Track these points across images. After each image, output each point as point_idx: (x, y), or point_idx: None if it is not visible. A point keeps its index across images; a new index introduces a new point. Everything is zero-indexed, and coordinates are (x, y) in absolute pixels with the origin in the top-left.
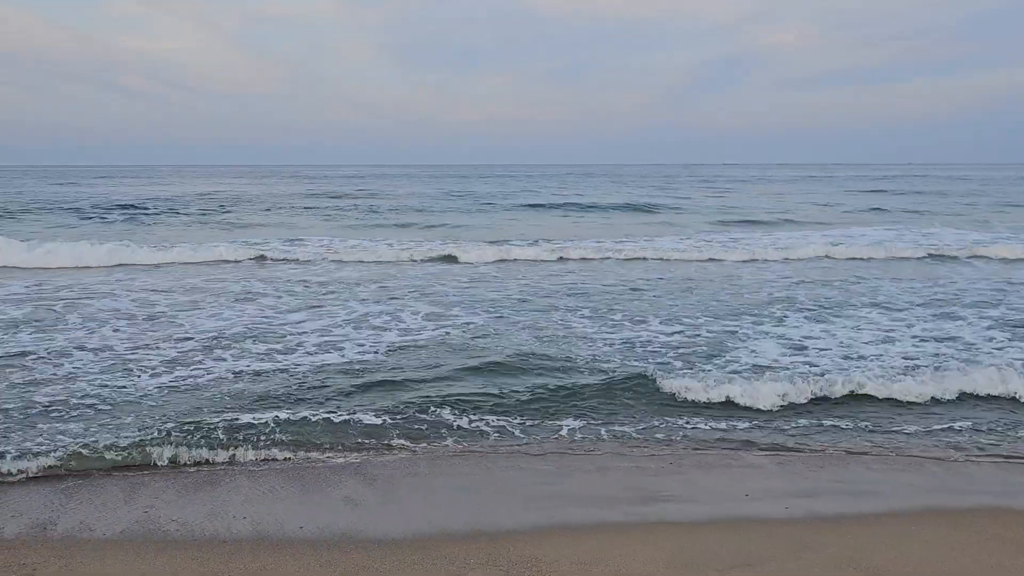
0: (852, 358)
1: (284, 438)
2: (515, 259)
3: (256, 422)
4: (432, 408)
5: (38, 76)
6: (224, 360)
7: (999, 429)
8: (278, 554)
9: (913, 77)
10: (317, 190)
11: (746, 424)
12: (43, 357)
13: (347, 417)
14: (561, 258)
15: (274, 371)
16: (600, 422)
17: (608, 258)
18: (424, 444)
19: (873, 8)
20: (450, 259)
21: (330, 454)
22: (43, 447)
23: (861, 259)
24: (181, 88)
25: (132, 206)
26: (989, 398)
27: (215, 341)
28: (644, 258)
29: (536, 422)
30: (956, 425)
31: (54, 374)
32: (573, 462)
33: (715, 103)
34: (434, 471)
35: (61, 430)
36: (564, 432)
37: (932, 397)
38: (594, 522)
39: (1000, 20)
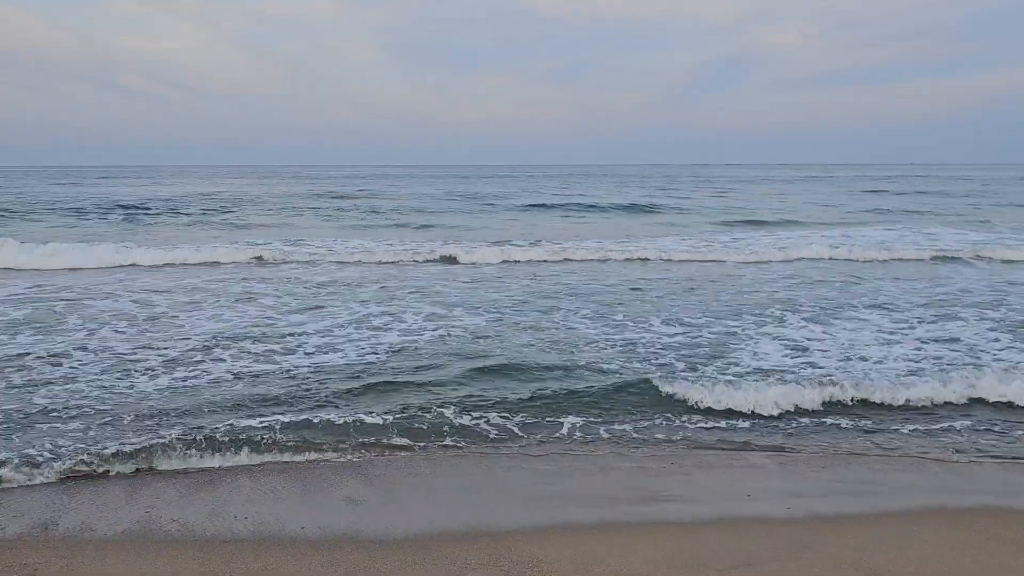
0: (854, 359)
1: (285, 438)
2: (517, 260)
3: (257, 423)
4: (433, 408)
5: (38, 76)
6: (224, 361)
7: (999, 429)
8: (279, 554)
9: (913, 77)
10: (318, 190)
11: (747, 424)
12: (43, 358)
13: (348, 417)
14: (563, 259)
15: (275, 372)
16: (601, 422)
17: (610, 259)
18: (425, 444)
19: (873, 8)
20: (451, 260)
21: (331, 454)
22: (44, 454)
23: (863, 260)
24: (181, 88)
25: (133, 206)
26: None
27: (216, 342)
28: (645, 259)
29: (537, 422)
30: (956, 425)
31: (55, 375)
32: (574, 462)
33: (715, 103)
34: (435, 471)
35: (61, 432)
36: (565, 432)
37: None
38: (595, 522)
39: (1000, 20)
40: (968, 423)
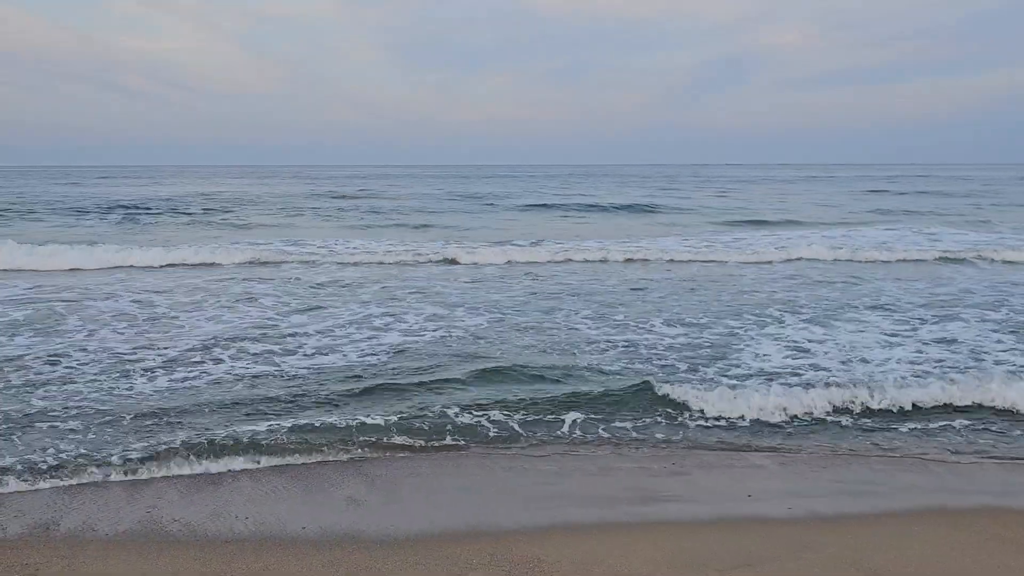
0: (856, 361)
1: (286, 439)
2: (518, 260)
3: (257, 423)
4: (434, 409)
5: (38, 76)
6: (225, 362)
7: (999, 429)
8: (281, 554)
9: (913, 77)
10: (318, 190)
11: (747, 424)
12: (44, 359)
13: (349, 418)
14: (564, 259)
15: (275, 373)
16: (601, 422)
17: (610, 259)
18: (426, 444)
19: (873, 8)
20: (452, 260)
21: (332, 455)
22: (47, 460)
23: (864, 260)
24: (181, 88)
25: (133, 206)
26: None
27: (216, 343)
28: (646, 259)
29: (538, 422)
30: (956, 425)
31: (55, 376)
32: (574, 462)
33: (715, 103)
34: (436, 471)
35: (61, 434)
36: (565, 432)
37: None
38: (596, 522)
39: (1000, 20)
40: (968, 423)
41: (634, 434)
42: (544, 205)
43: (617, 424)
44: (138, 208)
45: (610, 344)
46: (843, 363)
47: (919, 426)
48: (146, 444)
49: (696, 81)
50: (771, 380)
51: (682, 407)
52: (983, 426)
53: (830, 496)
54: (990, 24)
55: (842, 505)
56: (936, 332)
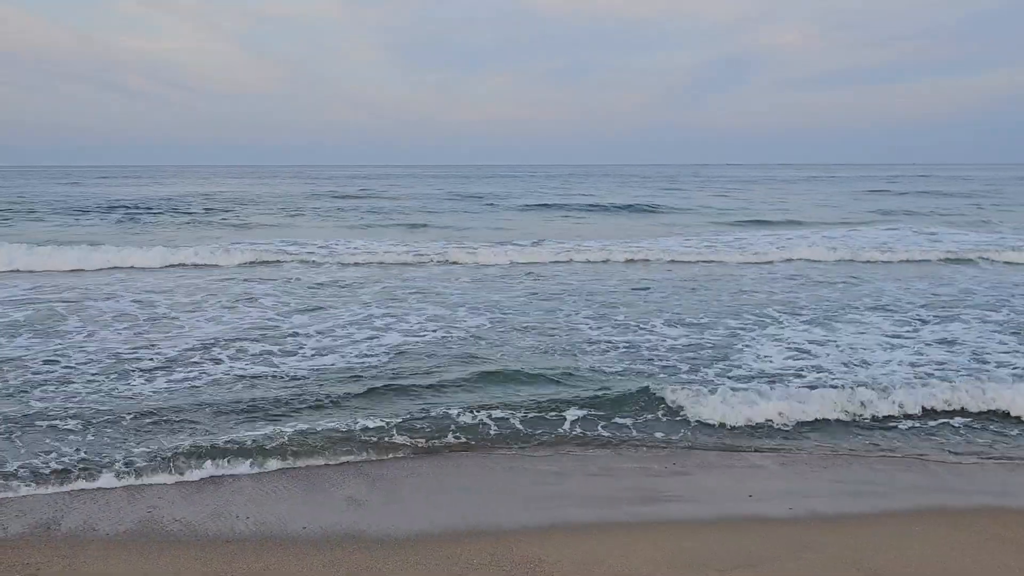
0: (858, 363)
1: (286, 439)
2: (518, 260)
3: (257, 424)
4: (434, 409)
5: (38, 76)
6: (225, 362)
7: (999, 429)
8: (281, 554)
9: (913, 77)
10: (318, 190)
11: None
12: (43, 360)
13: (349, 418)
14: (565, 259)
15: (275, 373)
16: (602, 423)
17: (612, 259)
18: (426, 445)
19: (873, 8)
20: (453, 260)
21: (333, 455)
22: (50, 464)
23: (864, 260)
24: (181, 88)
25: (134, 207)
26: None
27: (216, 343)
28: (647, 259)
29: (538, 422)
30: (956, 425)
31: (54, 377)
32: (575, 462)
33: (716, 103)
34: (436, 471)
35: (61, 435)
36: (566, 432)
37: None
38: (596, 522)
39: (1000, 20)
40: (968, 423)
41: (635, 433)
42: (544, 205)
43: (618, 424)
44: (138, 208)
45: (611, 345)
46: (844, 364)
47: (919, 426)
48: (146, 446)
49: (696, 81)
50: (773, 382)
51: (683, 410)
52: (983, 426)
53: (830, 496)
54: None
55: (842, 505)
56: (937, 333)
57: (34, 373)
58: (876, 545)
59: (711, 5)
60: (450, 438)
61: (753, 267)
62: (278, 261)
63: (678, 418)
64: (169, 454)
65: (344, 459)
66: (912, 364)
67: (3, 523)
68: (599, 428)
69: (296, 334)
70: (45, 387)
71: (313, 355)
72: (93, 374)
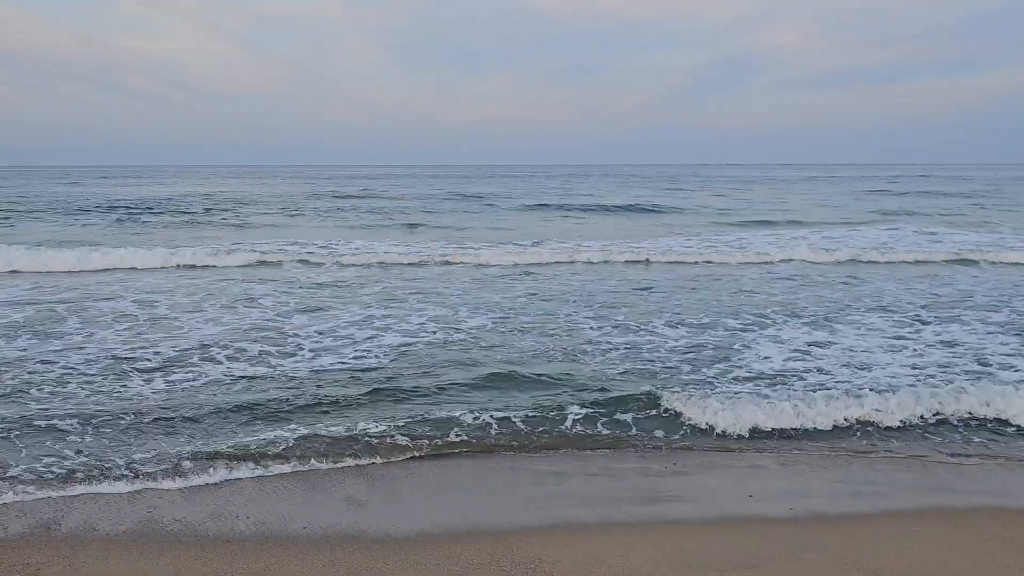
0: (860, 365)
1: (286, 439)
2: (519, 260)
3: (257, 424)
4: (435, 410)
5: (38, 76)
6: (224, 363)
7: (1000, 429)
8: (281, 554)
9: (913, 77)
10: (319, 190)
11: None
12: (43, 361)
13: (349, 418)
14: (565, 259)
15: (275, 374)
16: (603, 422)
17: (612, 259)
18: (426, 445)
19: (873, 8)
20: (454, 260)
21: (333, 455)
22: (52, 470)
23: (865, 261)
24: (181, 88)
25: (134, 207)
26: None
27: (216, 344)
28: (648, 259)
29: (538, 422)
30: (956, 424)
31: (54, 379)
32: (576, 462)
33: (716, 103)
34: (436, 471)
35: (61, 437)
36: (567, 432)
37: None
38: (597, 522)
39: (1000, 20)
40: (968, 423)
41: (635, 431)
42: (545, 205)
43: (618, 424)
44: (138, 208)
45: (611, 345)
46: (845, 366)
47: (919, 426)
48: (147, 447)
49: (696, 81)
50: (774, 384)
51: (682, 416)
52: (982, 426)
53: (830, 496)
54: (990, 24)
55: (842, 505)
56: (939, 335)
57: (30, 373)
58: (876, 545)
59: (711, 5)
60: (449, 438)
61: (754, 267)
62: (278, 261)
63: (678, 422)
64: (169, 455)
65: (344, 459)
66: (914, 367)
67: (3, 523)
68: (599, 427)
69: (297, 335)
70: (45, 388)
71: (313, 356)
72: (93, 375)
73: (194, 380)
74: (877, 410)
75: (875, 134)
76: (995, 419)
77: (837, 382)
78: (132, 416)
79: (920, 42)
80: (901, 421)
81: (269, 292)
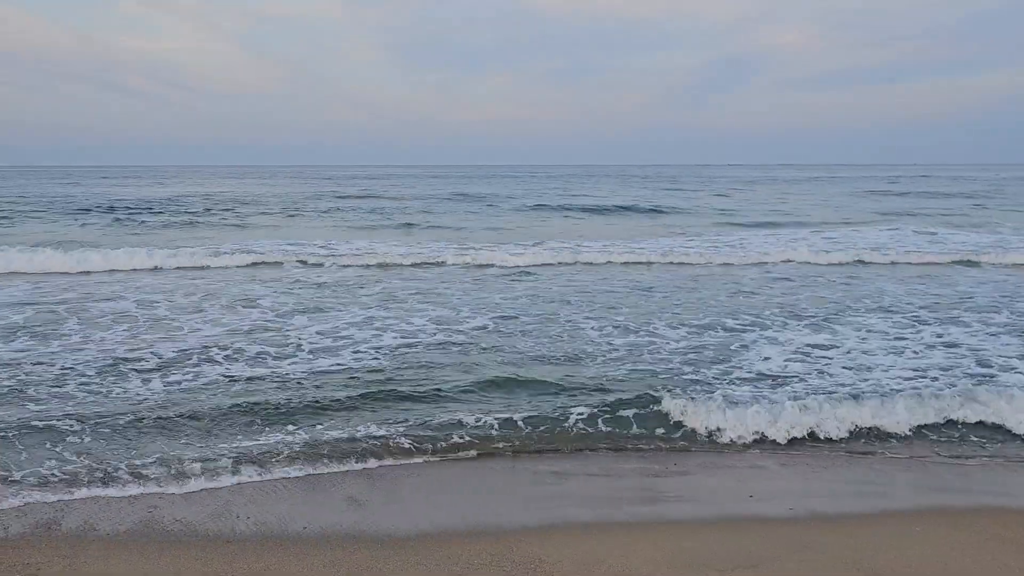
0: (861, 366)
1: (286, 439)
2: (520, 261)
3: (257, 425)
4: (436, 411)
5: (38, 76)
6: (224, 364)
7: (1000, 430)
8: (282, 554)
9: (913, 77)
10: (319, 191)
11: None
12: (44, 362)
13: (349, 418)
14: (566, 260)
15: (275, 375)
16: (603, 423)
17: (613, 260)
18: (426, 445)
19: (873, 8)
20: (454, 261)
21: (333, 455)
22: (56, 473)
23: (867, 261)
24: (181, 88)
25: (134, 207)
26: None
27: (216, 345)
28: (649, 260)
29: (539, 422)
30: (957, 424)
31: (54, 379)
32: (576, 462)
33: (716, 103)
34: (437, 472)
35: (60, 438)
36: (567, 432)
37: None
38: (597, 522)
39: (1000, 20)
40: (968, 422)
41: (635, 430)
42: (545, 206)
43: (619, 424)
44: (138, 208)
45: (612, 346)
46: (846, 368)
47: (919, 426)
48: (147, 447)
49: (696, 81)
50: (775, 385)
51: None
52: (983, 427)
53: (830, 496)
54: (990, 24)
55: (842, 505)
56: (942, 336)
57: (33, 376)
58: (876, 545)
59: (711, 5)
60: (450, 439)
61: (754, 268)
62: (278, 262)
63: (679, 422)
64: (169, 456)
65: (345, 459)
66: (915, 368)
67: (4, 522)
68: (599, 427)
69: (297, 336)
70: (44, 389)
71: (313, 357)
72: (91, 376)
73: (194, 381)
74: (879, 417)
75: (875, 134)
76: (992, 424)
77: (838, 384)
78: (132, 417)
79: (920, 42)
80: (909, 431)
81: (269, 293)
